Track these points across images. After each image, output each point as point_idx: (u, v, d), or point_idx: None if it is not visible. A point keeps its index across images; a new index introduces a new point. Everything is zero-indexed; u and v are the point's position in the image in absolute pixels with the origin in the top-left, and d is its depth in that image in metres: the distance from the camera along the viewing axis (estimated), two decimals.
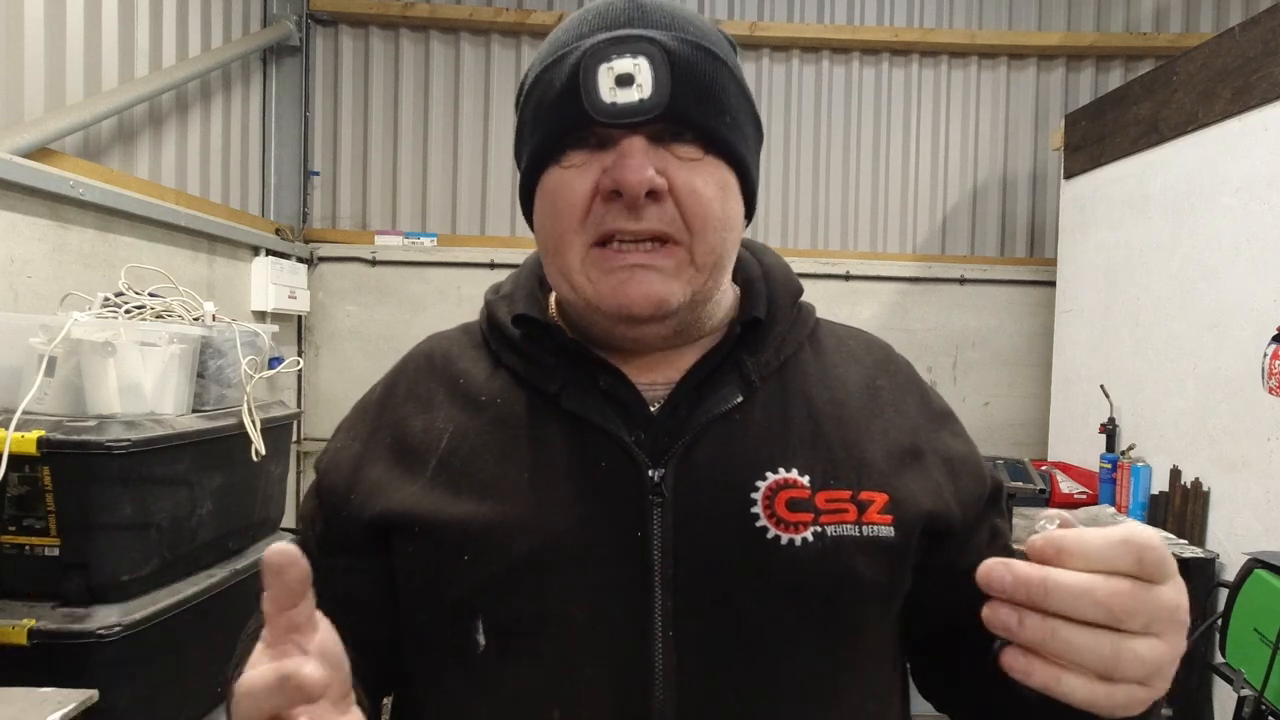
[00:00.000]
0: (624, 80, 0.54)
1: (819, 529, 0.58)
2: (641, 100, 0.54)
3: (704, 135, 0.58)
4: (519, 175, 0.65)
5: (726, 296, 0.67)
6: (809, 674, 0.58)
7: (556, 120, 0.57)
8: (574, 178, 0.58)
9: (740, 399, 0.62)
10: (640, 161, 0.55)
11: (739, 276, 0.70)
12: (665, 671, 0.56)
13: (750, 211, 0.65)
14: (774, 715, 0.57)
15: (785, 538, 0.57)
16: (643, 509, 0.58)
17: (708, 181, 0.58)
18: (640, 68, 0.54)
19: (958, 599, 0.57)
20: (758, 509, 0.58)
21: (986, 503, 0.67)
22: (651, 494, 0.58)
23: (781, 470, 0.59)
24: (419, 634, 0.63)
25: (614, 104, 0.55)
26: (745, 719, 0.56)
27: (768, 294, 0.67)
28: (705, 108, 0.57)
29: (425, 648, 0.63)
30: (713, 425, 0.61)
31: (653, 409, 0.62)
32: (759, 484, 0.59)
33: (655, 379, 0.64)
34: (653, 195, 0.56)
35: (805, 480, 0.59)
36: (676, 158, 0.57)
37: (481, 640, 0.58)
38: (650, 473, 0.58)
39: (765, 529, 0.58)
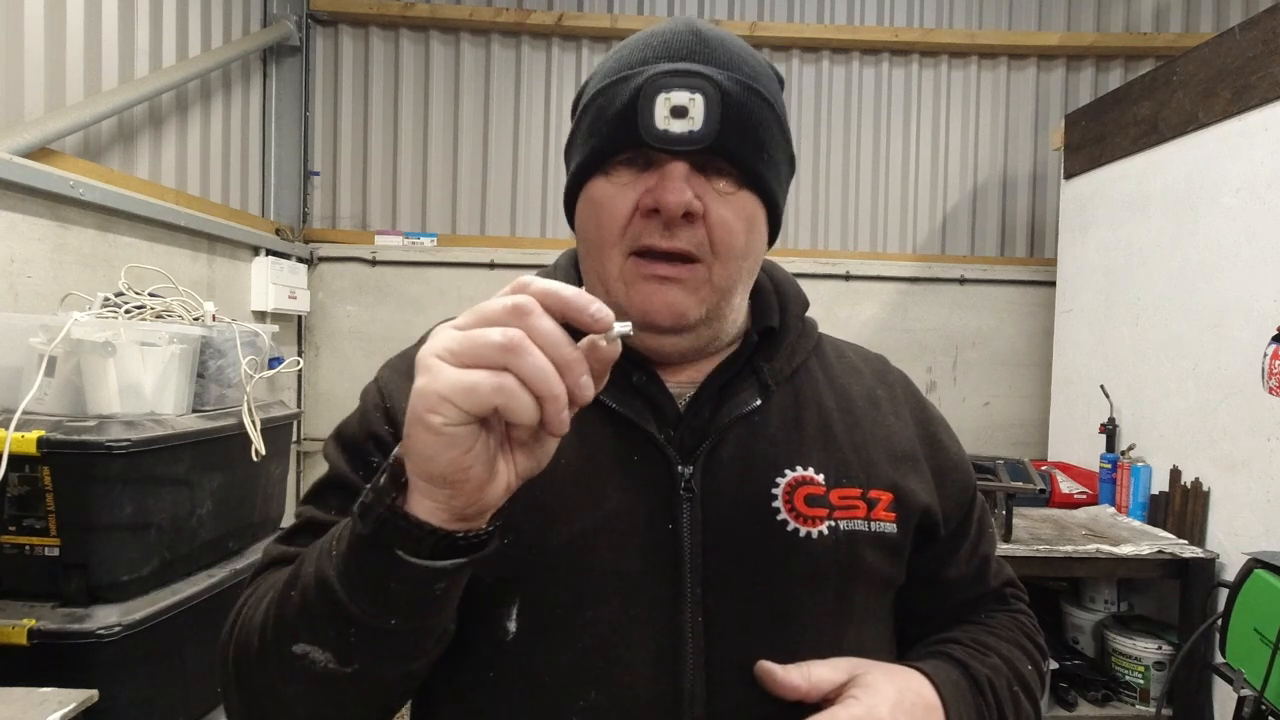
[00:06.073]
0: (678, 111, 0.59)
1: (833, 523, 0.64)
2: (691, 131, 0.59)
3: (741, 170, 0.63)
4: (566, 176, 0.70)
5: (740, 312, 0.71)
6: (824, 656, 0.62)
7: (610, 136, 0.62)
8: (618, 193, 0.63)
9: (759, 402, 0.67)
10: (680, 185, 0.60)
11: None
12: (695, 654, 0.60)
13: (774, 237, 0.70)
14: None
15: (804, 530, 0.63)
16: (674, 503, 0.62)
17: (738, 214, 0.63)
18: (695, 102, 0.59)
19: (926, 599, 0.72)
20: (778, 503, 0.63)
21: (967, 509, 0.75)
22: (683, 490, 0.63)
23: (799, 469, 0.65)
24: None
25: (666, 131, 0.60)
26: (770, 699, 0.60)
27: (779, 306, 0.73)
28: (746, 145, 0.62)
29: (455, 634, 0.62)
30: (734, 426, 0.66)
31: (680, 405, 0.67)
32: (779, 480, 0.64)
33: (681, 380, 0.69)
34: (687, 217, 0.61)
35: (820, 478, 0.65)
36: (714, 190, 0.62)
37: (511, 627, 0.61)
38: (680, 469, 0.63)
39: (785, 522, 0.63)
